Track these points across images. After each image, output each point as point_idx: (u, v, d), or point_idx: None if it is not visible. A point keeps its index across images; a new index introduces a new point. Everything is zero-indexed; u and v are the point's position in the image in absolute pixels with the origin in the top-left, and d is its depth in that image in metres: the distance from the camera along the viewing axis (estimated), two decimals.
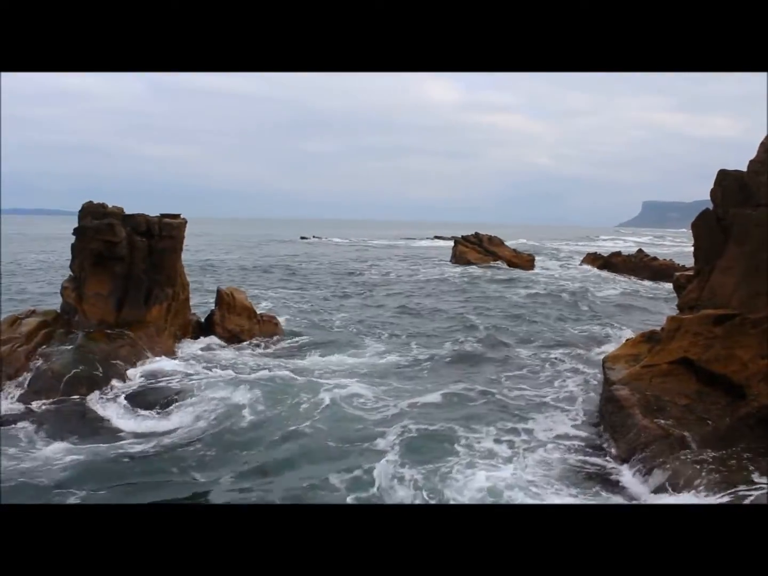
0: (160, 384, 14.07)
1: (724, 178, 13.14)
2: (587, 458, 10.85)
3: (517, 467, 10.14)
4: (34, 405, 12.84)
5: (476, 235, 50.08)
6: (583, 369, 16.35)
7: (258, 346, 18.65)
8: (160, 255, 17.10)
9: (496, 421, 12.31)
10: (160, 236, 17.09)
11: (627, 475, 10.05)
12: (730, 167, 13.13)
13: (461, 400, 13.74)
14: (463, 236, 50.48)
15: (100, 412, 12.62)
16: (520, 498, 8.93)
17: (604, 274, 44.73)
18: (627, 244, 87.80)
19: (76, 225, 16.53)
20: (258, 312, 20.53)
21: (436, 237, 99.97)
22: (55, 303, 17.92)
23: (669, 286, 27.64)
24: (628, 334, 19.34)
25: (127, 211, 17.17)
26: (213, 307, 19.83)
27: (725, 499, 8.30)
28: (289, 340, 19.72)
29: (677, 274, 17.76)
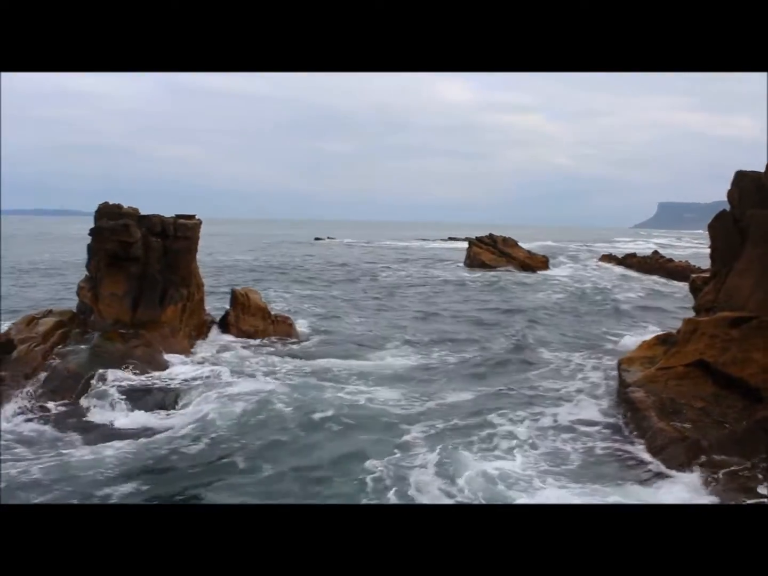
0: (176, 384, 14.13)
1: (741, 179, 13.03)
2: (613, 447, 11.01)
3: (539, 456, 10.46)
4: (51, 404, 12.93)
5: (490, 236, 49.95)
6: (603, 367, 16.26)
7: (273, 346, 18.69)
8: (175, 255, 17.18)
9: (522, 413, 12.55)
10: (175, 237, 17.18)
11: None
12: (748, 168, 13.02)
13: (487, 397, 13.88)
14: (477, 237, 50.37)
15: (116, 411, 12.67)
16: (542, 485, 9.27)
17: (621, 271, 44.47)
18: (648, 245, 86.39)
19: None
20: (272, 313, 20.59)
21: (450, 238, 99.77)
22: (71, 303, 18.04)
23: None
24: (648, 334, 19.22)
25: (143, 211, 17.27)
26: (227, 308, 19.91)
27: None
28: (304, 341, 19.75)
29: (693, 275, 17.63)
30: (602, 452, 10.93)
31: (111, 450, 10.81)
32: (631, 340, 19.17)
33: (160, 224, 17.04)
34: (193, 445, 11.14)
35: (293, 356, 17.56)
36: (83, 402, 13.06)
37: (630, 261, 50.06)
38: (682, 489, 9.10)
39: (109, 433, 11.72)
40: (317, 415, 12.38)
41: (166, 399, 13.29)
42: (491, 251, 47.82)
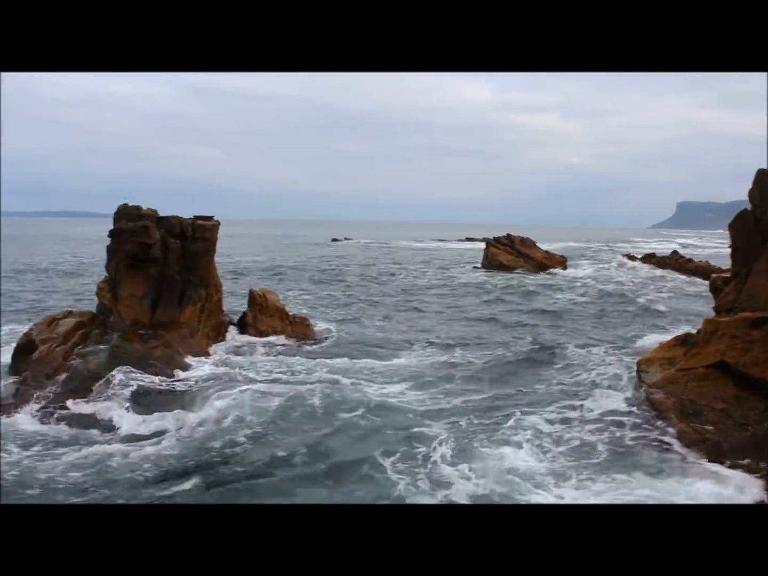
0: (195, 384, 14.21)
1: (763, 177, 12.87)
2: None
3: (564, 450, 10.61)
4: (71, 403, 13.03)
5: (508, 236, 49.74)
6: (625, 367, 16.14)
7: (291, 346, 18.75)
8: (193, 256, 17.28)
9: (546, 409, 12.66)
10: (194, 238, 17.28)
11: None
12: None
13: (510, 394, 13.94)
14: (494, 238, 50.20)
15: (135, 411, 12.74)
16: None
17: (644, 271, 44.12)
18: (671, 245, 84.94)
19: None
20: (290, 313, 20.65)
21: (468, 238, 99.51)
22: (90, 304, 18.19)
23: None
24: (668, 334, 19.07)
25: (161, 213, 17.38)
26: (245, 309, 19.99)
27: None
28: (322, 342, 19.78)
29: (714, 276, 17.44)
30: (631, 443, 10.95)
31: (133, 449, 10.88)
32: (650, 340, 19.02)
33: (179, 225, 17.15)
34: (214, 443, 11.17)
35: (311, 356, 17.58)
36: (103, 402, 13.14)
37: (649, 261, 49.71)
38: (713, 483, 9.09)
39: (128, 433, 11.78)
40: (341, 414, 12.46)
41: (185, 399, 13.35)
42: (509, 252, 47.63)
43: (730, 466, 9.52)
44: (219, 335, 18.59)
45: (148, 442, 11.28)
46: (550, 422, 11.94)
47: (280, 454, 10.65)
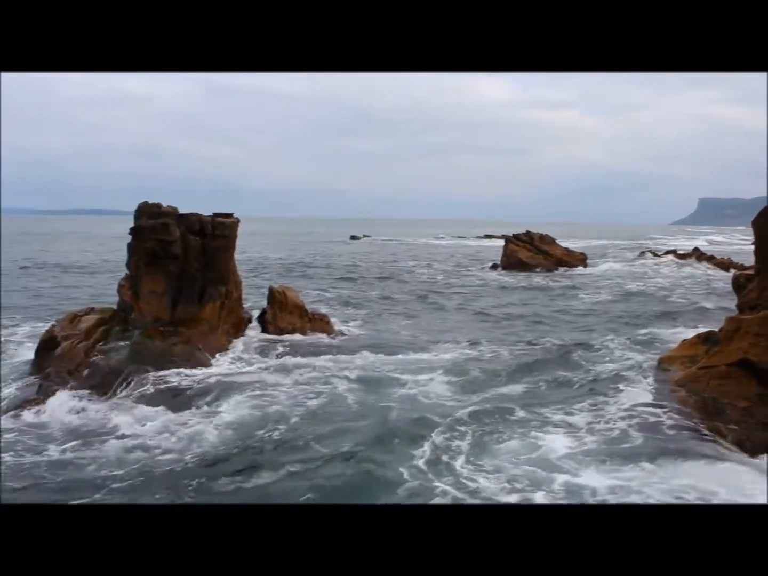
0: (216, 380, 14.25)
1: None
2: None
3: (596, 440, 10.71)
4: (93, 400, 13.15)
5: (527, 233, 49.54)
6: (649, 364, 16.04)
7: (311, 343, 18.77)
8: (213, 254, 17.38)
9: (577, 404, 12.67)
10: (213, 235, 17.38)
11: None
12: None
13: (539, 390, 13.98)
14: (514, 235, 50.03)
15: (156, 407, 12.82)
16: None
17: (667, 269, 43.76)
18: (697, 242, 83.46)
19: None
20: (309, 310, 20.70)
21: (487, 235, 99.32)
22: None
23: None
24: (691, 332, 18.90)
25: (181, 210, 17.49)
26: (265, 306, 20.07)
27: None
28: (342, 338, 19.80)
29: (736, 273, 17.26)
30: (660, 436, 10.89)
31: (155, 444, 10.93)
32: (672, 338, 18.85)
33: (199, 223, 17.25)
34: (248, 439, 11.17)
35: (332, 353, 17.55)
36: (124, 398, 13.26)
37: (673, 258, 49.34)
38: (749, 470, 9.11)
39: (151, 429, 11.82)
40: (373, 407, 12.56)
41: (206, 395, 13.40)
42: (528, 249, 47.42)
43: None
44: (239, 332, 18.67)
45: (167, 438, 11.31)
46: (579, 414, 12.01)
47: (318, 448, 10.70)
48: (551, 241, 49.48)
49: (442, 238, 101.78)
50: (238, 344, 17.81)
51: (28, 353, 16.16)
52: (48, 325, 16.95)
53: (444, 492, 8.84)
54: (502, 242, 52.25)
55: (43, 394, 13.48)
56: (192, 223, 17.15)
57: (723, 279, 35.73)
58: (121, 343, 15.05)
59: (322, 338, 19.40)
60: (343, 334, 20.39)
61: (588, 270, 45.35)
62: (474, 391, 13.84)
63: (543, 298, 30.93)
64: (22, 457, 10.43)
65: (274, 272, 40.94)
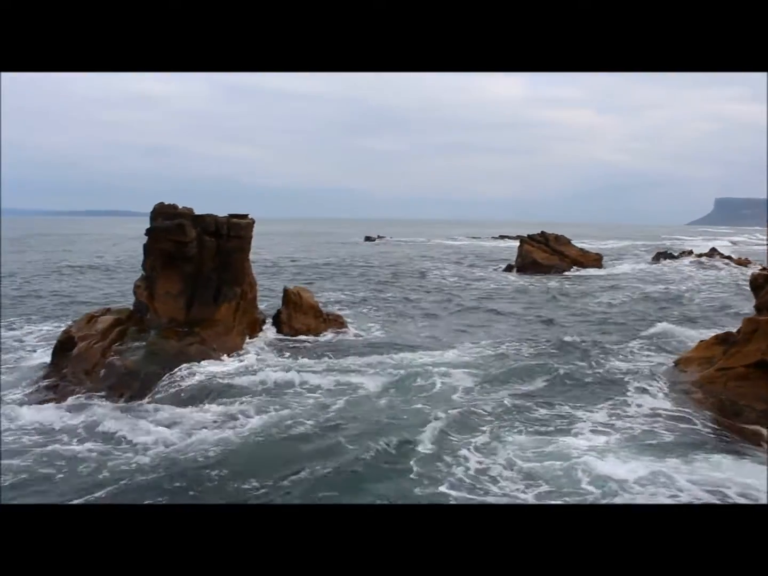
0: (231, 380, 14.31)
1: None
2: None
3: (618, 437, 10.83)
4: (110, 400, 13.24)
5: (542, 234, 49.34)
6: (667, 364, 15.96)
7: (326, 343, 18.81)
8: (228, 254, 17.44)
9: (598, 401, 12.81)
10: (229, 236, 17.44)
11: None
12: None
13: (560, 388, 14.06)
14: (528, 235, 49.85)
15: (173, 407, 12.87)
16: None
17: (687, 269, 43.47)
18: (723, 243, 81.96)
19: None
20: (324, 311, 20.73)
21: (501, 236, 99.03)
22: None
23: None
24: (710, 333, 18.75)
25: (196, 211, 17.56)
26: (280, 306, 20.13)
27: None
28: (359, 339, 19.80)
29: (754, 273, 17.09)
30: (682, 435, 10.95)
31: (172, 445, 10.96)
32: (690, 338, 18.70)
33: (214, 224, 17.32)
34: (262, 439, 11.17)
35: (348, 353, 17.58)
36: (140, 398, 13.33)
37: (691, 258, 49.04)
38: None
39: (169, 429, 11.83)
40: (398, 404, 12.65)
41: (222, 395, 13.44)
42: (543, 249, 47.23)
43: None
44: (254, 332, 18.73)
45: (187, 436, 11.32)
46: (600, 413, 12.10)
47: (348, 444, 10.79)
48: (566, 241, 49.27)
49: (456, 238, 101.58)
50: (254, 345, 17.87)
51: (46, 354, 16.33)
52: (63, 326, 17.09)
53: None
54: (516, 243, 52.10)
55: (59, 394, 13.59)
56: (207, 224, 17.22)
57: (747, 279, 35.29)
58: (137, 344, 15.14)
59: (338, 338, 19.42)
60: (359, 334, 20.39)
61: (604, 271, 45.11)
62: (505, 387, 13.93)
63: (559, 298, 30.76)
64: (35, 455, 10.50)
65: (289, 273, 41.03)
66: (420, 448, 10.40)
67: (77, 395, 13.45)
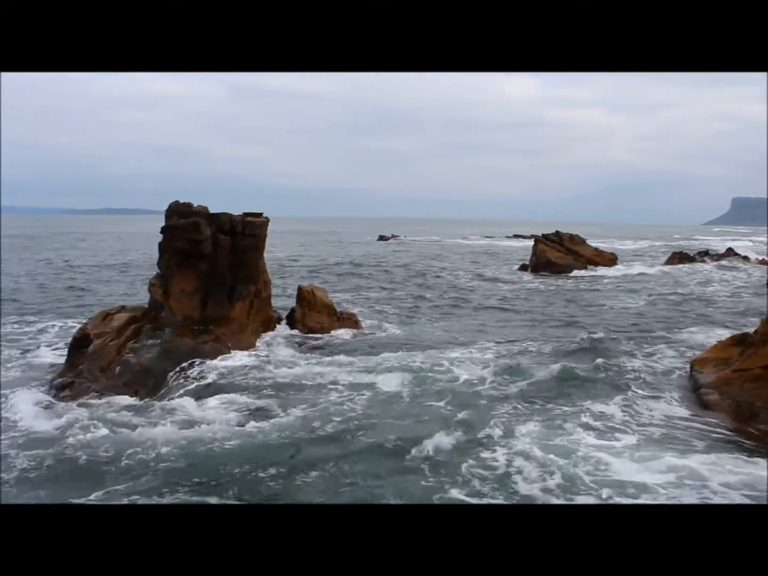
0: (245, 378, 14.35)
1: None
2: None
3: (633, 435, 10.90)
4: (125, 397, 13.31)
5: (557, 233, 49.18)
6: (683, 365, 15.88)
7: (341, 342, 18.82)
8: (243, 253, 17.49)
9: (612, 399, 12.81)
10: (243, 234, 17.49)
11: None
12: None
13: (575, 384, 14.10)
14: (543, 234, 49.70)
15: (187, 404, 12.92)
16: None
17: (707, 270, 43.16)
18: (744, 243, 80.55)
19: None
20: (338, 310, 20.75)
21: (516, 235, 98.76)
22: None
23: None
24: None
25: (211, 209, 17.61)
26: (294, 305, 20.17)
27: None
28: (374, 337, 19.78)
29: None
30: (698, 436, 10.92)
31: (187, 442, 10.96)
32: (706, 339, 18.57)
33: (229, 222, 17.36)
34: (278, 435, 11.17)
35: (362, 351, 17.57)
36: (155, 395, 13.40)
37: (708, 258, 48.72)
38: None
39: (184, 426, 11.82)
40: (422, 403, 12.71)
41: (236, 391, 13.49)
42: (558, 249, 47.08)
43: None
44: (268, 330, 18.78)
45: (202, 434, 11.30)
46: (616, 413, 12.11)
47: (365, 438, 10.88)
48: (581, 241, 49.08)
49: (470, 238, 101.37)
50: (268, 343, 17.91)
51: (61, 351, 16.45)
52: (78, 324, 17.21)
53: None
54: (530, 242, 51.95)
55: (75, 391, 13.68)
56: (222, 223, 17.27)
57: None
58: (152, 342, 15.21)
59: (352, 337, 19.43)
60: (374, 333, 20.37)
61: (620, 271, 44.84)
62: (523, 386, 13.94)
63: (575, 298, 30.63)
64: (51, 451, 10.56)
65: (302, 272, 41.09)
66: (438, 447, 10.40)
67: (93, 392, 13.53)
